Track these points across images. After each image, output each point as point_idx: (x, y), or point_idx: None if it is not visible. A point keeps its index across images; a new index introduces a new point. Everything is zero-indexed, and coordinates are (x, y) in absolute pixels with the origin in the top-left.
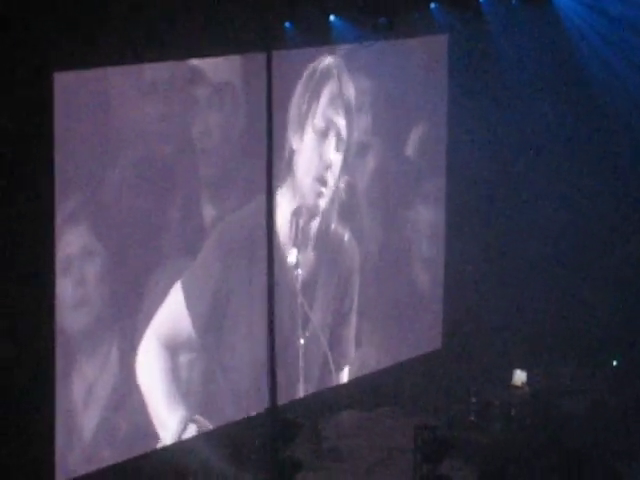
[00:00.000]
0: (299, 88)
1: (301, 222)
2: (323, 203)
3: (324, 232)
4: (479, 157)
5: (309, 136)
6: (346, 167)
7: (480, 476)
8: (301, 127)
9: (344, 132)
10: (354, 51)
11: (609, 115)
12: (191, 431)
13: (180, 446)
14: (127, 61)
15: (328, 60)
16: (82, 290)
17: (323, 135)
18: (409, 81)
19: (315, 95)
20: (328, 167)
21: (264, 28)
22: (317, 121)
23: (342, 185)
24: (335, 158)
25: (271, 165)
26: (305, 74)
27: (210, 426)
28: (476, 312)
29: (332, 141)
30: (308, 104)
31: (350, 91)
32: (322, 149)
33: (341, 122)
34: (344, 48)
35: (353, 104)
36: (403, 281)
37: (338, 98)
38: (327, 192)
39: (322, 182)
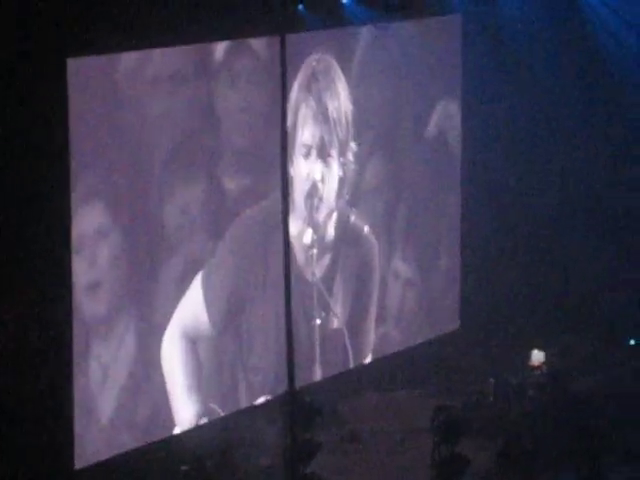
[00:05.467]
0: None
1: (315, 202)
2: (332, 186)
3: (341, 220)
4: (494, 140)
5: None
6: (358, 152)
7: (498, 456)
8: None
9: (350, 117)
10: (366, 33)
11: (624, 91)
12: (209, 416)
13: (198, 431)
14: (141, 46)
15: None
16: (97, 271)
17: (328, 121)
18: (422, 62)
19: (321, 82)
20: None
21: (277, 11)
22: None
23: (353, 170)
24: (341, 141)
25: (286, 148)
26: (308, 62)
27: (228, 411)
28: (494, 292)
29: (340, 126)
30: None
31: (359, 73)
32: (325, 132)
33: (348, 107)
34: (356, 30)
35: (361, 88)
36: (421, 263)
37: (344, 84)
38: (332, 175)
39: (326, 163)
